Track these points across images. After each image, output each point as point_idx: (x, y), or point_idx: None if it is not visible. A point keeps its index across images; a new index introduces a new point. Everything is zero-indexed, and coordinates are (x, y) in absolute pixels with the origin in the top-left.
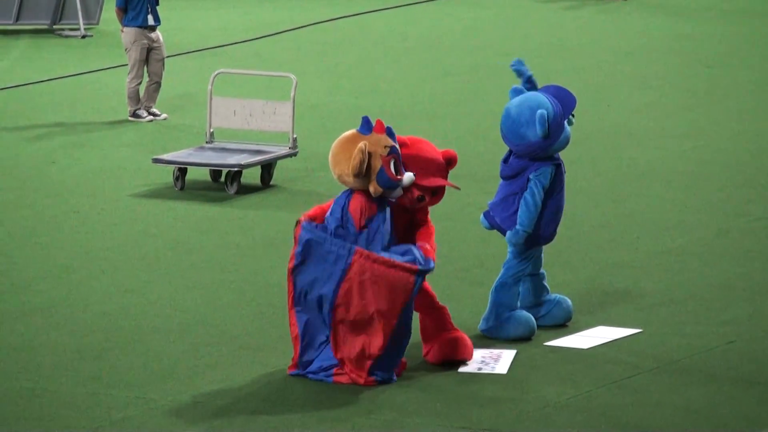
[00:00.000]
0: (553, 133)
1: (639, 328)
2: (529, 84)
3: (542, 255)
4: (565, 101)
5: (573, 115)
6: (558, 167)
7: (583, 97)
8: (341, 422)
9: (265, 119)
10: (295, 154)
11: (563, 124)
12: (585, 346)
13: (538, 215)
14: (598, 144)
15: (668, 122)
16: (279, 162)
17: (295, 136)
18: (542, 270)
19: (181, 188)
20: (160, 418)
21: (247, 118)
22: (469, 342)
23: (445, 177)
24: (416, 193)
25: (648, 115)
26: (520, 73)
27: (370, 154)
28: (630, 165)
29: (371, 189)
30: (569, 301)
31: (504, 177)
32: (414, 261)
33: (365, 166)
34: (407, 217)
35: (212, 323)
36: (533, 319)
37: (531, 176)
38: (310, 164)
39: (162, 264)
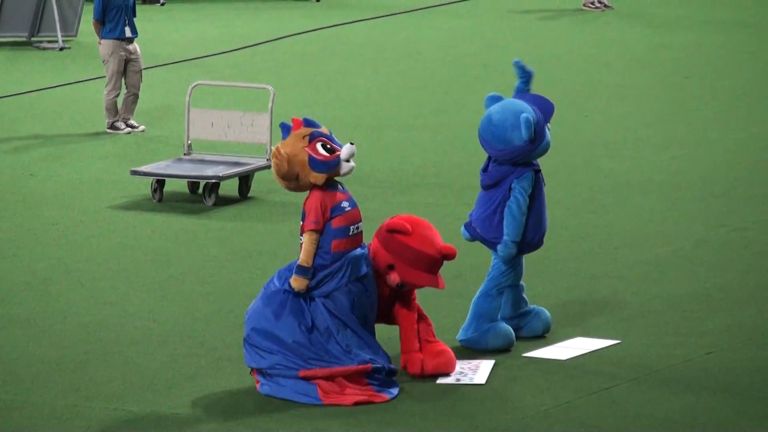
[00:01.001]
0: (537, 138)
1: (618, 339)
2: (527, 85)
3: (523, 266)
4: (544, 108)
5: (549, 126)
6: (537, 173)
7: (560, 108)
8: None
9: (242, 131)
10: None
11: (544, 129)
12: (564, 357)
13: (524, 223)
14: (575, 155)
15: (646, 132)
16: (257, 174)
17: (273, 147)
18: (522, 282)
19: (159, 200)
20: (138, 429)
21: (225, 130)
22: (453, 354)
23: (437, 272)
24: (397, 279)
25: (625, 125)
26: (523, 71)
27: (288, 154)
28: (608, 175)
29: (314, 180)
30: (548, 313)
31: (484, 186)
32: (367, 361)
33: (285, 167)
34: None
35: (191, 335)
36: (512, 330)
37: (513, 183)
38: None
39: (140, 276)
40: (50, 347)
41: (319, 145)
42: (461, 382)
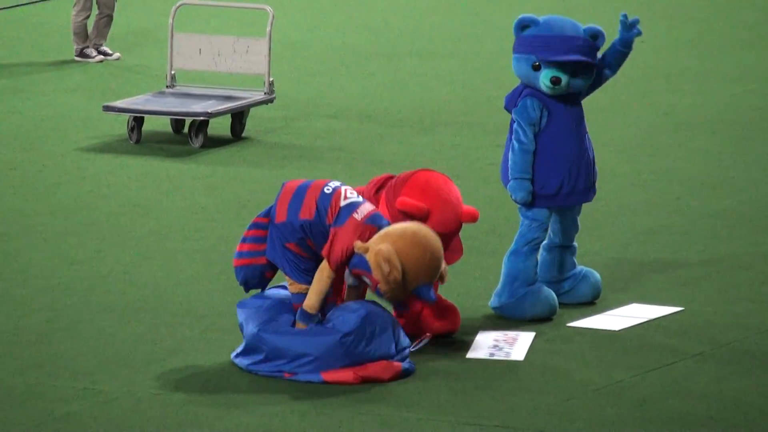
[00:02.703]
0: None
1: (680, 306)
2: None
3: (575, 222)
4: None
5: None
6: (548, 100)
7: (611, 32)
8: (327, 418)
9: (236, 59)
10: (271, 101)
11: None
12: (616, 328)
13: (530, 159)
14: (629, 88)
15: (713, 62)
16: (252, 110)
17: (271, 79)
18: (575, 243)
19: (137, 141)
20: (112, 412)
21: (215, 58)
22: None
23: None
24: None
25: (689, 53)
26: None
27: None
28: (668, 113)
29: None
30: (597, 275)
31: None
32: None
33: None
34: None
35: (174, 300)
36: (555, 295)
37: (513, 113)
38: (289, 112)
39: (115, 231)
40: (7, 316)
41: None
42: (495, 357)
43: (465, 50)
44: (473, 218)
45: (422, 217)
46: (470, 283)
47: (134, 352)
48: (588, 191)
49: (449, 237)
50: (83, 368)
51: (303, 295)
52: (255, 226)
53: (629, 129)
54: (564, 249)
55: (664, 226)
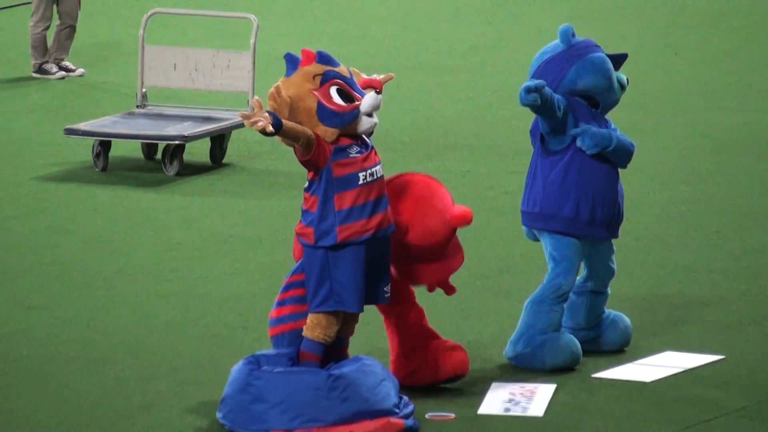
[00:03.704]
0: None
1: (721, 354)
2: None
3: (606, 265)
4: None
5: (626, 81)
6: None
7: (642, 42)
8: None
9: (216, 75)
10: None
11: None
12: (648, 379)
13: (611, 142)
14: (661, 106)
15: (756, 76)
16: (234, 133)
17: (256, 98)
18: (608, 290)
19: (104, 168)
20: None
21: (192, 74)
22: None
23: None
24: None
25: (729, 66)
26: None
27: (291, 98)
28: (706, 134)
29: (322, 134)
30: (626, 319)
31: (549, 151)
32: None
33: (285, 116)
34: None
35: (146, 350)
36: (578, 343)
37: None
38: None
39: (79, 271)
40: None
41: (333, 90)
42: (511, 413)
43: (476, 64)
44: (466, 220)
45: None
46: (482, 328)
47: (100, 410)
48: (609, 226)
49: (441, 246)
50: (42, 427)
51: (313, 342)
52: (293, 285)
53: (662, 152)
54: (595, 295)
55: (702, 263)
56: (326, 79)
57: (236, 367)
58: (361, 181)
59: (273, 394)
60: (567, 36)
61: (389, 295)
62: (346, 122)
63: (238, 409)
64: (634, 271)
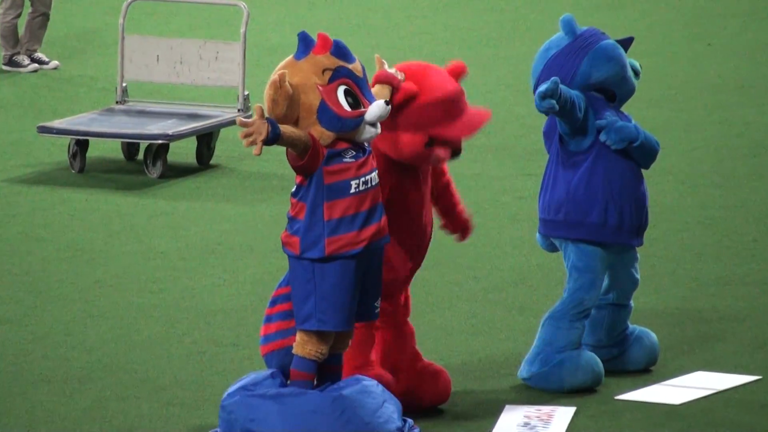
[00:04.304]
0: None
1: (757, 375)
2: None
3: (631, 276)
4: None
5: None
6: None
7: (671, 33)
8: None
9: (202, 68)
10: None
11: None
12: (677, 401)
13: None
14: (693, 102)
15: None
16: (223, 131)
17: (246, 93)
18: (631, 302)
19: (81, 170)
20: None
21: (177, 67)
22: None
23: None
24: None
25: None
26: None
27: (295, 87)
28: (742, 133)
29: (318, 136)
30: (653, 336)
31: (570, 153)
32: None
33: (282, 108)
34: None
35: (127, 368)
36: (599, 361)
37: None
38: None
39: (53, 281)
40: None
41: (341, 91)
42: None
43: (488, 55)
44: (461, 70)
45: (411, 94)
46: (494, 345)
47: None
48: (638, 232)
49: (454, 100)
50: None
51: (304, 360)
52: (279, 300)
53: (693, 153)
54: (617, 308)
55: (737, 275)
56: (336, 77)
57: (228, 393)
58: (353, 190)
59: (268, 421)
60: (571, 26)
61: (379, 310)
62: (347, 129)
63: None
64: (662, 283)
